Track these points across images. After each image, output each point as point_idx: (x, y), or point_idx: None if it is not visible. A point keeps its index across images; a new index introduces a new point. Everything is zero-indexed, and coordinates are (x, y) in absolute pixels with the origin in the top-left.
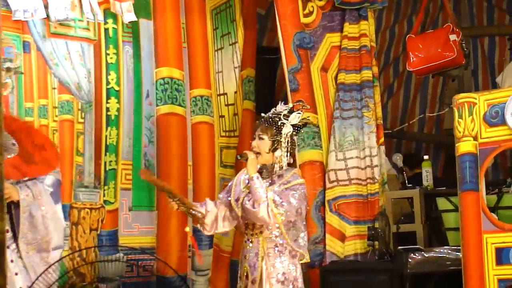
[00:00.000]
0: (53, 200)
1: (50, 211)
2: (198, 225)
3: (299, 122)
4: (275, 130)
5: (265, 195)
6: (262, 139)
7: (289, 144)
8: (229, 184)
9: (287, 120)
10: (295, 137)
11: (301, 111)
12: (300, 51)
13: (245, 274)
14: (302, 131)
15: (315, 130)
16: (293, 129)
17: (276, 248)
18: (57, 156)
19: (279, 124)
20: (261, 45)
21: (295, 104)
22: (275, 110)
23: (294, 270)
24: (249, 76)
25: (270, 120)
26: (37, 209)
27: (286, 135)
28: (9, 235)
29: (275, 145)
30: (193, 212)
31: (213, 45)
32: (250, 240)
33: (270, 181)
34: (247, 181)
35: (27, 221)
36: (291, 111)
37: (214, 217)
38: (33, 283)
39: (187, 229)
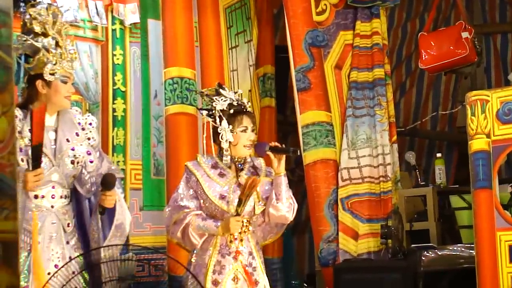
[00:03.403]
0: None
1: (127, 214)
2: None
3: None
4: (256, 123)
5: (290, 194)
6: (254, 131)
7: None
8: (182, 188)
9: None
10: None
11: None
12: (312, 49)
13: (234, 277)
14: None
15: (328, 129)
16: None
17: (257, 245)
18: None
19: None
20: (274, 44)
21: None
22: (240, 100)
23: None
24: (268, 73)
25: (252, 112)
26: (123, 217)
27: None
28: (69, 228)
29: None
30: None
31: (227, 43)
32: (239, 239)
33: (252, 173)
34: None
35: (115, 228)
36: None
37: None
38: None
39: None
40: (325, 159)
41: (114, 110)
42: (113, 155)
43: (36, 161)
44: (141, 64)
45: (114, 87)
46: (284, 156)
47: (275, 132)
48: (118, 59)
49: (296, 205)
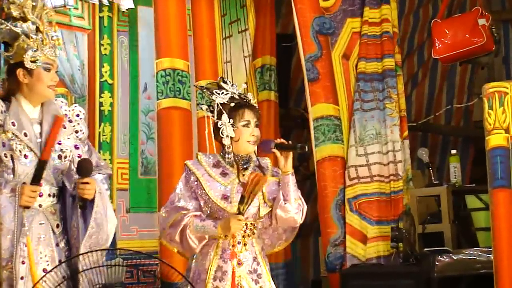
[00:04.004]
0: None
1: (111, 214)
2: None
3: None
4: (260, 117)
5: (298, 194)
6: (258, 126)
7: None
8: (181, 188)
9: None
10: None
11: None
12: (320, 37)
13: (237, 283)
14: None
15: (336, 123)
16: None
17: (263, 251)
18: None
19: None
20: (274, 32)
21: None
22: (239, 92)
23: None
24: (267, 64)
25: (255, 104)
26: (104, 213)
27: None
28: (58, 230)
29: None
30: None
31: (221, 33)
32: (242, 243)
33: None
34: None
35: (95, 224)
36: None
37: None
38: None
39: None
40: (333, 156)
41: (101, 104)
42: (99, 153)
43: (37, 177)
44: (129, 55)
45: (101, 80)
46: (291, 153)
47: (275, 128)
48: (105, 49)
49: (305, 207)
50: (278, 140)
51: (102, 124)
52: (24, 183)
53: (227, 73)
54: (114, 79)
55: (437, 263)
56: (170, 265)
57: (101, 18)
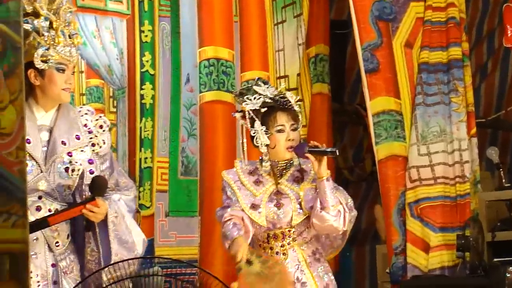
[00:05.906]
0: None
1: (135, 233)
2: None
3: None
4: (298, 119)
5: (338, 199)
6: (296, 129)
7: None
8: (227, 197)
9: None
10: None
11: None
12: (379, 23)
13: None
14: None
15: (397, 119)
16: None
17: (315, 255)
18: None
19: (298, 113)
20: (328, 18)
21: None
22: (275, 93)
23: (334, 280)
24: (320, 54)
25: (294, 106)
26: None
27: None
28: (58, 249)
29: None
30: None
31: (272, 18)
32: (281, 253)
33: (296, 178)
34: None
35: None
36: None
37: None
38: None
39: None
40: (395, 155)
41: (142, 96)
42: (140, 151)
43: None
44: (171, 43)
45: (142, 70)
46: (324, 158)
47: (328, 124)
48: (146, 36)
49: (348, 213)
50: (312, 143)
51: (144, 118)
52: None
53: (279, 63)
54: (156, 69)
55: (508, 275)
56: (213, 275)
57: (140, 2)
